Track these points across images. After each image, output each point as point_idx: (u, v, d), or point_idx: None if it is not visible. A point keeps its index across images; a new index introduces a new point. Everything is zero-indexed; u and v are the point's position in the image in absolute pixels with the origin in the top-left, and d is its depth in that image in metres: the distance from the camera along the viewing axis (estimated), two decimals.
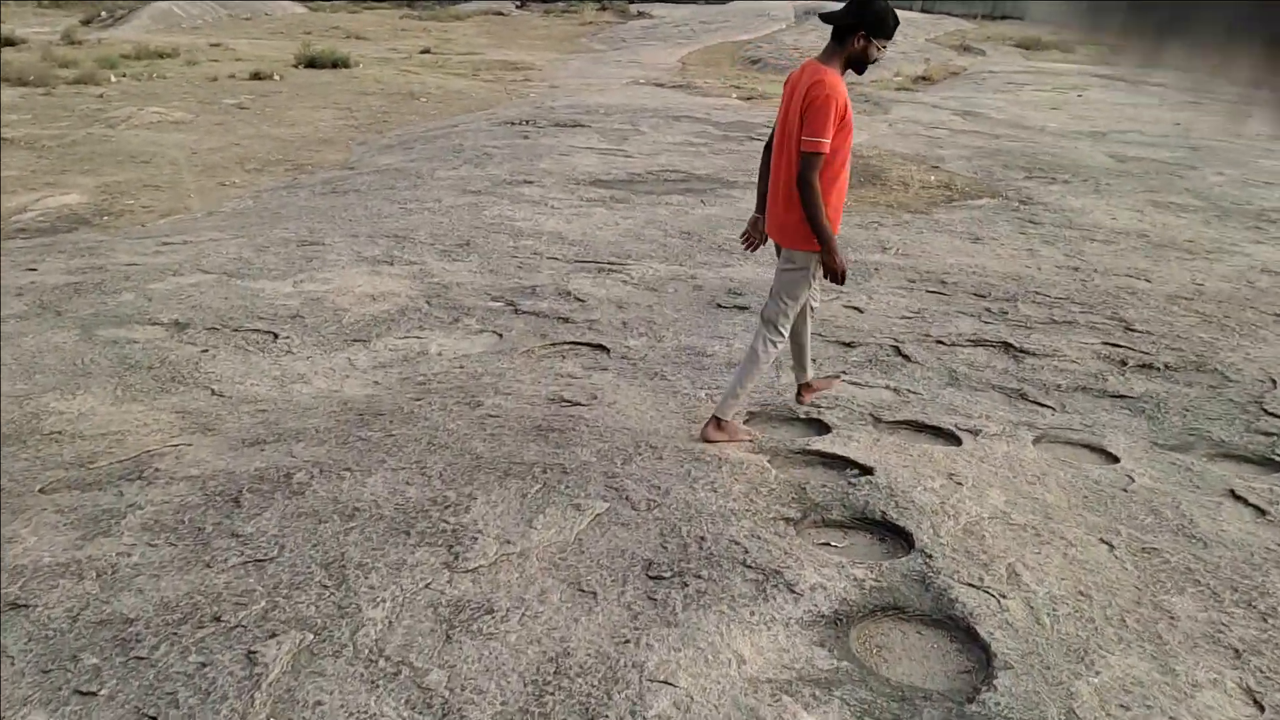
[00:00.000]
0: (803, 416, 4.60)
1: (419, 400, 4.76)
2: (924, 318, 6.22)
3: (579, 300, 6.47)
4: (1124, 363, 5.50)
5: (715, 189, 10.10)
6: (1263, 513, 3.86)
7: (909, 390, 5.03)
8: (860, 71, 3.96)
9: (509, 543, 3.27)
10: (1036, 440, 4.49)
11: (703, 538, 3.32)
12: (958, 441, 4.39)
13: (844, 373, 4.69)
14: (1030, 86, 20.61)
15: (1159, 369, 5.42)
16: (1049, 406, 4.90)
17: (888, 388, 5.06)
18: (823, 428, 4.47)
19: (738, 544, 3.28)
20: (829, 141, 3.80)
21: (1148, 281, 7.26)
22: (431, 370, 5.35)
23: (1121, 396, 5.05)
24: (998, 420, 4.65)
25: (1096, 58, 27.22)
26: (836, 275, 3.96)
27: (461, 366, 5.40)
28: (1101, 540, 3.52)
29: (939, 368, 5.38)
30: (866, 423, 4.53)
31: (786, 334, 4.18)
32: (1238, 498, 3.99)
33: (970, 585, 3.13)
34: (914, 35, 28.47)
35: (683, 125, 13.79)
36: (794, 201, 3.89)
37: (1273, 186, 11.28)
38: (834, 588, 3.07)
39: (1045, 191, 10.50)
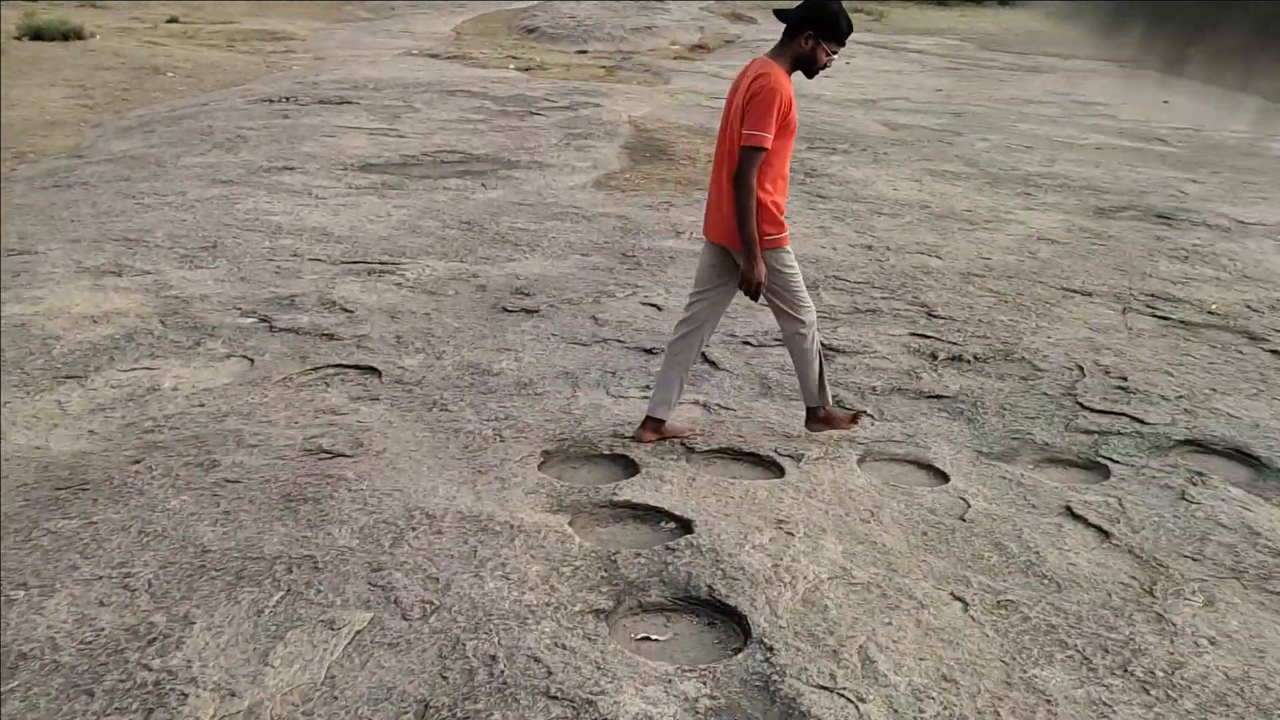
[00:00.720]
0: (606, 452, 3.89)
1: (138, 463, 3.74)
2: (728, 314, 5.63)
3: (346, 311, 5.51)
4: (934, 355, 5.09)
5: (495, 170, 9.22)
6: (1105, 534, 3.45)
7: (720, 405, 4.41)
8: (810, 74, 3.65)
9: (233, 695, 2.39)
10: (861, 460, 3.97)
11: (493, 656, 2.54)
12: (780, 471, 3.79)
13: (699, 432, 4.07)
14: None
15: (969, 361, 5.04)
16: (867, 414, 4.40)
17: (698, 402, 4.43)
18: (630, 466, 3.77)
19: (538, 661, 2.53)
20: (771, 137, 3.49)
21: (939, 259, 6.97)
22: (163, 412, 4.31)
23: (938, 396, 4.62)
24: (819, 438, 4.09)
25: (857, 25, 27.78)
26: (752, 286, 3.64)
27: (201, 405, 4.39)
28: (954, 596, 2.99)
29: (749, 374, 4.79)
30: (678, 455, 3.86)
31: (810, 310, 3.83)
32: (1076, 516, 3.57)
33: (822, 687, 2.51)
34: (688, 4, 28.16)
35: (458, 100, 12.74)
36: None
37: (1033, 150, 11.45)
38: (663, 716, 2.37)
39: (828, 163, 10.20)
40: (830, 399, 4.04)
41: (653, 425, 3.95)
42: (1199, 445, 4.19)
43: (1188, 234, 8.04)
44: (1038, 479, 3.87)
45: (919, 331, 5.41)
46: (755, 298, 3.72)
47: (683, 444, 3.95)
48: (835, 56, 3.62)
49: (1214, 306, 6.12)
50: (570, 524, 3.28)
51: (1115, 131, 13.29)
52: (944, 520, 3.49)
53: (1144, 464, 4.00)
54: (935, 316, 5.68)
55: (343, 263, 6.39)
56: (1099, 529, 3.49)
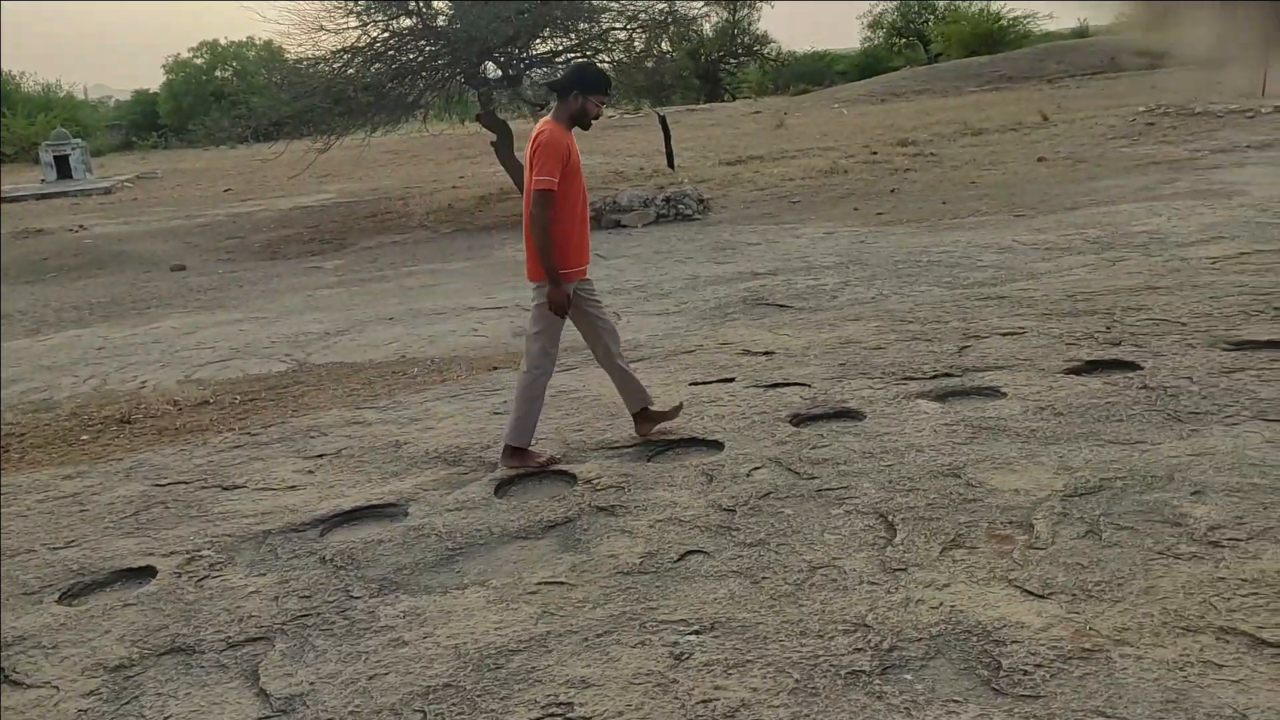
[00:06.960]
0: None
1: None
2: None
3: None
4: None
5: None
6: None
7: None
8: (585, 126, 3.96)
9: None
10: None
11: None
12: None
13: (681, 405, 4.28)
14: None
15: None
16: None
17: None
18: None
19: None
20: (556, 180, 3.80)
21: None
22: None
23: None
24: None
25: None
26: (557, 307, 3.90)
27: None
28: None
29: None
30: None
31: (551, 359, 4.05)
32: None
33: None
34: None
35: None
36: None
37: None
38: None
39: None
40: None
41: (640, 418, 4.15)
42: None
43: None
44: None
45: None
46: (563, 316, 3.92)
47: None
48: (603, 106, 3.94)
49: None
50: None
51: None
52: None
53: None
54: None
55: None
56: None
